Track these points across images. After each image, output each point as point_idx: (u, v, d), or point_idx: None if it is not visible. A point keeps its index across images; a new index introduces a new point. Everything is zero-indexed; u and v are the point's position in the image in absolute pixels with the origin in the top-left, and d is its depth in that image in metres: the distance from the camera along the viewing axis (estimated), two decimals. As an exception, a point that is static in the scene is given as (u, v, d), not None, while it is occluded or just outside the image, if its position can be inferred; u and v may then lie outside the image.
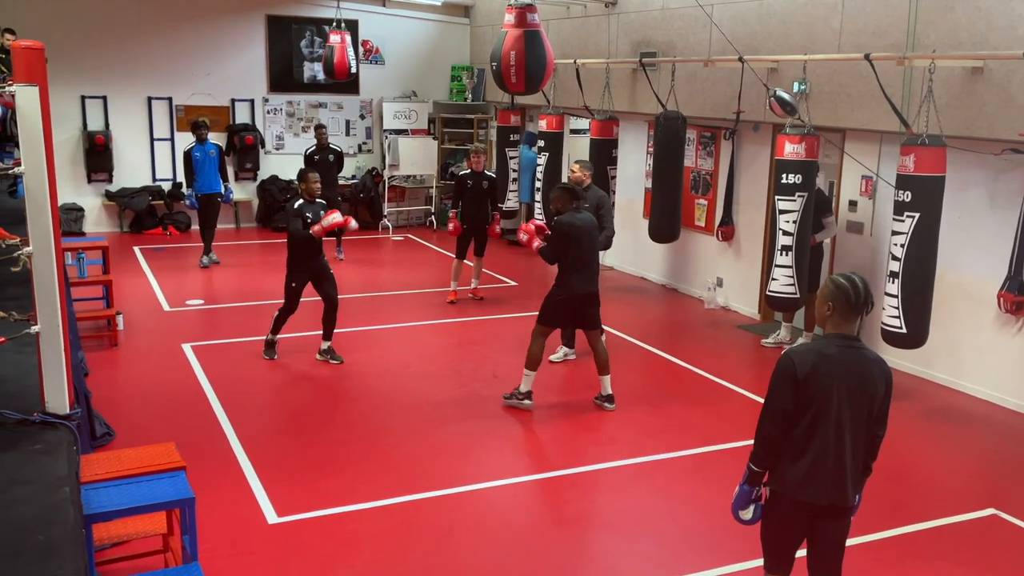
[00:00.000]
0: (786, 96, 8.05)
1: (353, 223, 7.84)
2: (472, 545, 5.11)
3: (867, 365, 3.65)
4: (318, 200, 7.90)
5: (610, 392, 7.11)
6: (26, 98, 3.41)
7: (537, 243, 7.11)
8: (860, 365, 3.64)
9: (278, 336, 8.15)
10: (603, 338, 7.12)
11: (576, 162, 8.47)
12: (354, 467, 6.04)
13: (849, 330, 3.67)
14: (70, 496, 3.07)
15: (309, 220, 7.70)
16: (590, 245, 6.91)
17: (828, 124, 8.39)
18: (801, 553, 3.94)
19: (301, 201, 7.81)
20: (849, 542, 5.05)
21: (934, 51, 7.16)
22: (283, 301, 8.02)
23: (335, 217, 7.66)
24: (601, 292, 11.16)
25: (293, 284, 7.91)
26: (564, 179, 11.79)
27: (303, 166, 12.60)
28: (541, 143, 11.37)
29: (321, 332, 8.09)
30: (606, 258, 12.24)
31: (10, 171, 3.64)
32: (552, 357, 8.27)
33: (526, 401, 7.07)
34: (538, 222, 7.44)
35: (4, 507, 2.95)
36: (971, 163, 7.45)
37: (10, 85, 3.53)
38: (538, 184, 11.42)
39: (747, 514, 3.83)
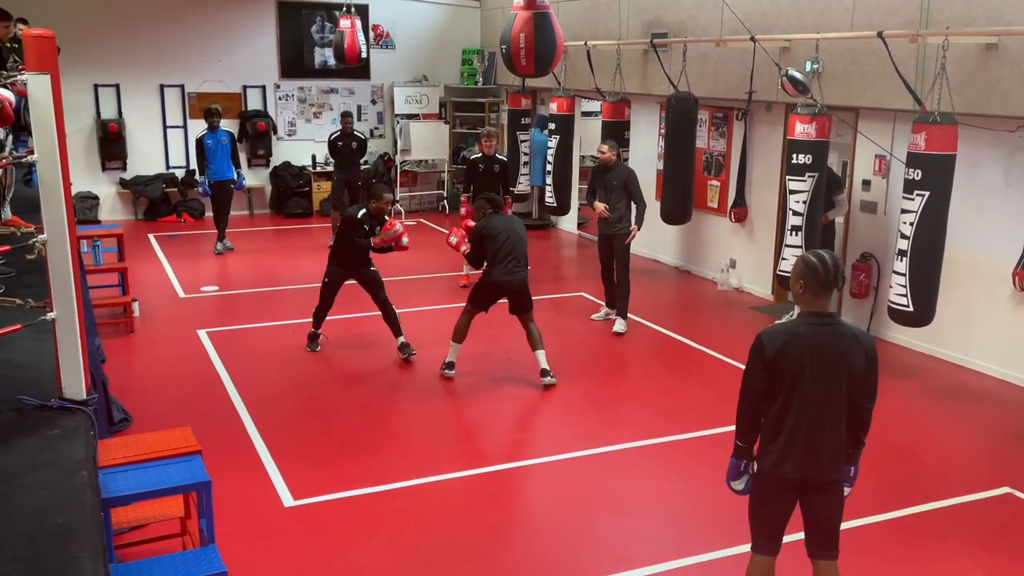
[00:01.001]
0: (798, 75, 8.00)
1: (406, 239, 7.84)
2: (487, 526, 5.15)
3: (842, 340, 3.67)
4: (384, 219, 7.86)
5: (546, 367, 7.31)
6: (38, 86, 3.43)
7: (465, 248, 7.55)
8: (833, 342, 3.66)
9: (320, 330, 8.09)
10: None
11: (604, 143, 8.74)
12: (369, 450, 6.08)
13: (822, 306, 3.69)
14: (88, 480, 3.12)
15: (366, 230, 7.69)
16: (508, 240, 7.24)
17: (841, 103, 8.33)
18: (799, 537, 3.97)
19: (364, 211, 7.77)
20: (862, 521, 5.10)
21: (948, 28, 7.10)
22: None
23: (397, 230, 7.68)
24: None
25: (326, 280, 7.89)
26: (574, 161, 11.78)
27: (327, 152, 12.68)
28: (552, 126, 11.34)
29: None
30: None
31: (24, 160, 3.67)
32: (594, 316, 9.16)
33: (448, 371, 7.44)
34: (469, 223, 7.72)
35: (23, 491, 3.00)
36: (985, 140, 7.39)
37: (22, 74, 3.56)
38: (549, 168, 11.40)
39: (739, 485, 3.94)
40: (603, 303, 9.24)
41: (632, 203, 8.51)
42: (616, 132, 10.32)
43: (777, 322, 3.91)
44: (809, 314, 3.70)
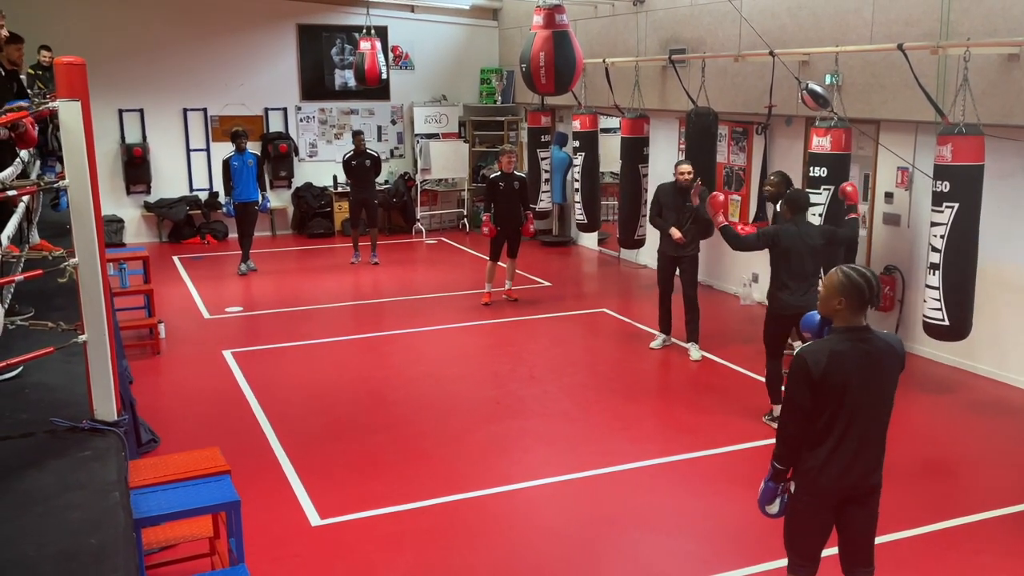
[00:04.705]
0: (819, 89, 7.99)
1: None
2: (512, 544, 5.14)
3: (879, 355, 3.68)
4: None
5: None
6: (69, 113, 3.49)
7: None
8: (873, 356, 3.66)
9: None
10: None
11: (686, 163, 8.42)
12: (394, 469, 6.09)
13: (858, 322, 3.68)
14: (120, 501, 3.14)
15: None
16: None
17: (862, 116, 8.30)
18: (831, 552, 3.93)
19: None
20: (894, 535, 5.05)
21: (968, 39, 7.06)
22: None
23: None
24: (636, 290, 11.19)
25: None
26: (596, 177, 11.77)
27: (344, 172, 12.78)
28: (576, 143, 11.38)
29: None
30: (639, 257, 12.23)
31: (55, 185, 3.72)
32: (652, 344, 8.74)
33: None
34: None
35: (58, 512, 3.03)
36: (1010, 151, 7.34)
37: (53, 100, 3.62)
38: (576, 185, 11.43)
39: (773, 508, 3.89)
40: (657, 330, 8.82)
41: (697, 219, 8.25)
42: (635, 148, 10.33)
43: (808, 341, 3.84)
44: (847, 330, 3.67)
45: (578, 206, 11.45)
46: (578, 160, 11.32)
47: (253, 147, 13.61)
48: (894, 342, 3.76)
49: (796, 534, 3.87)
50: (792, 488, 3.82)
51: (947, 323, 6.96)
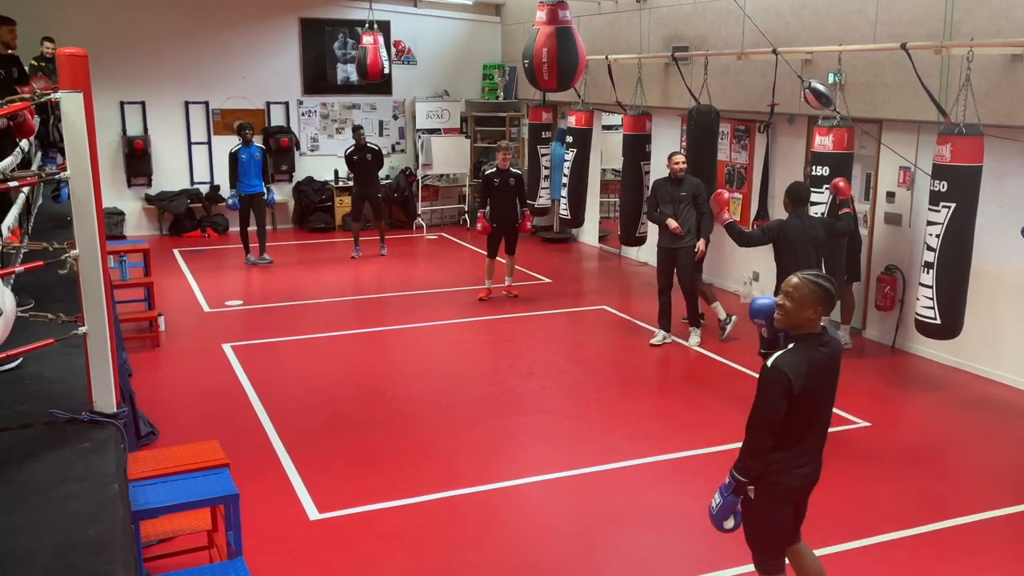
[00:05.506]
0: (821, 88, 7.98)
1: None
2: (510, 541, 5.14)
3: (836, 356, 3.76)
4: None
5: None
6: (71, 105, 3.48)
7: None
8: (834, 359, 3.75)
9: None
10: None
11: (679, 153, 8.64)
12: (393, 464, 6.09)
13: (818, 327, 3.71)
14: (119, 493, 3.14)
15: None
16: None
17: (865, 115, 8.30)
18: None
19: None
20: (887, 537, 5.06)
21: (972, 39, 7.06)
22: None
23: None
24: (636, 288, 11.20)
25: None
26: (596, 175, 11.77)
27: (346, 167, 12.79)
28: (569, 139, 11.36)
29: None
30: (639, 254, 12.22)
31: (56, 176, 3.72)
32: (652, 341, 8.73)
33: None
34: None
35: (57, 503, 3.03)
36: (1011, 152, 7.33)
37: (55, 92, 3.61)
38: (564, 180, 11.42)
39: (730, 523, 3.82)
40: (657, 327, 8.84)
41: (699, 215, 8.40)
42: (637, 145, 10.32)
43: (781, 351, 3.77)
44: (814, 337, 3.68)
45: (563, 201, 11.45)
46: (569, 156, 11.30)
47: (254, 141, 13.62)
48: (836, 335, 3.85)
49: (765, 534, 3.87)
50: (751, 494, 3.77)
51: (938, 321, 6.98)
